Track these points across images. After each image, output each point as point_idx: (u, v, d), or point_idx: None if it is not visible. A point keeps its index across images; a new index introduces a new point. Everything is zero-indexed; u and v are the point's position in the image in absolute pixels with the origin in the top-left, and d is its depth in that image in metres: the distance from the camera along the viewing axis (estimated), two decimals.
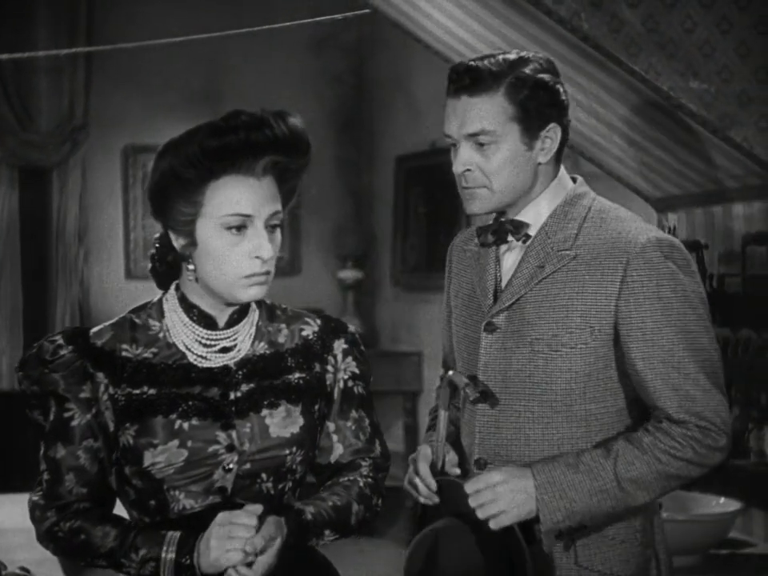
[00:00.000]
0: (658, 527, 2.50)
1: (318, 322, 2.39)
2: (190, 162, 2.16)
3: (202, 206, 2.19)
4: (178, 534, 2.19)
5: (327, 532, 2.26)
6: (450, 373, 2.46)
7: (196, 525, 2.19)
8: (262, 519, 2.16)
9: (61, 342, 2.27)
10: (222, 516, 2.15)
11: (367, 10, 4.83)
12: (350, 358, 2.38)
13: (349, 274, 7.68)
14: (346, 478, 2.35)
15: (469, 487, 2.34)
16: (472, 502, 2.32)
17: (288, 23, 4.81)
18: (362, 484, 2.34)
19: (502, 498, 2.31)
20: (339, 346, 2.38)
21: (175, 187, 2.18)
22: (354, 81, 7.86)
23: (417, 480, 2.43)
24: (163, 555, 2.17)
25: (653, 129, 4.11)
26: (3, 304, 7.15)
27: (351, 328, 2.42)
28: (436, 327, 7.37)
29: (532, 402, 2.41)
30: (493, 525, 2.31)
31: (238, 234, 2.20)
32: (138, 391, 2.24)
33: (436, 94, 7.14)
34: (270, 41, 7.00)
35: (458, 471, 2.45)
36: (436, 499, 2.40)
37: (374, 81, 7.78)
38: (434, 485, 2.40)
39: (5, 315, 7.14)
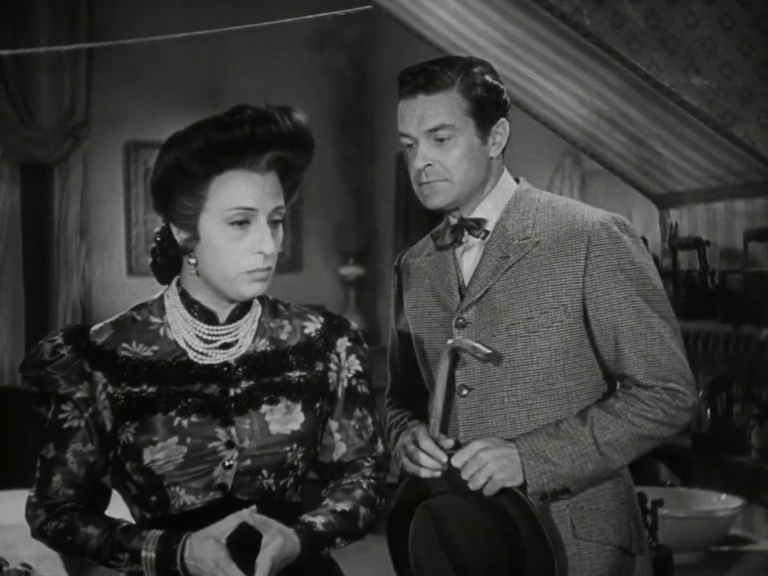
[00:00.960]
0: (633, 497, 2.61)
1: (321, 319, 2.38)
2: (195, 156, 2.16)
3: (206, 200, 2.19)
4: (159, 532, 2.18)
5: (338, 540, 2.26)
6: (450, 341, 2.49)
7: (197, 521, 2.18)
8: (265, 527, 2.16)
9: (60, 341, 2.27)
10: (215, 550, 2.14)
11: (369, 6, 4.83)
12: (353, 356, 2.37)
13: (350, 271, 7.67)
14: (348, 480, 2.34)
15: (455, 460, 2.43)
16: (463, 475, 2.41)
17: (289, 20, 4.81)
18: (365, 486, 2.33)
19: (487, 464, 2.40)
20: (342, 344, 2.37)
21: (179, 181, 2.18)
22: (356, 77, 7.85)
23: (420, 454, 2.47)
24: (143, 554, 2.16)
25: (654, 125, 4.11)
26: (5, 300, 7.14)
27: (354, 326, 2.41)
28: None
29: (515, 385, 2.50)
30: (486, 492, 2.41)
31: (240, 228, 2.20)
32: (137, 389, 2.24)
33: None
34: (271, 37, 6.99)
35: (452, 443, 2.50)
36: (438, 473, 2.46)
37: (376, 77, 7.77)
38: (442, 457, 2.45)
39: (6, 312, 7.13)
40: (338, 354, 2.36)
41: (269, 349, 2.31)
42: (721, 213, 4.35)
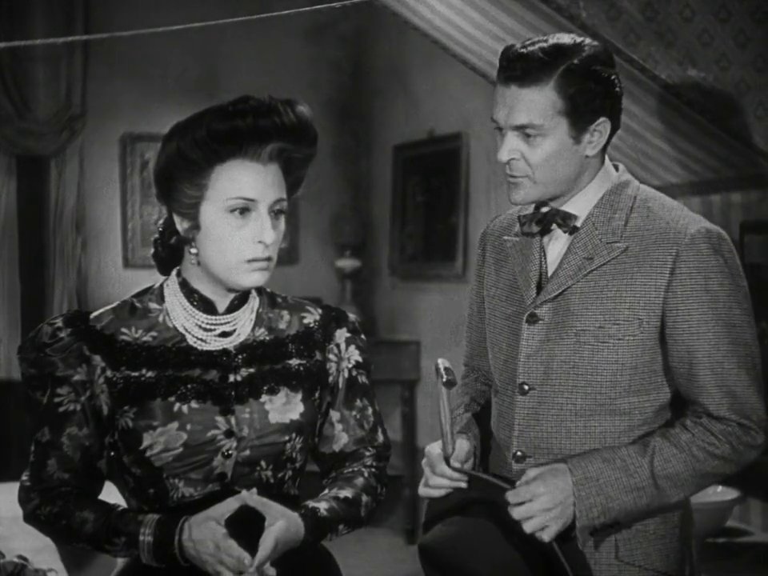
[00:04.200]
0: (690, 521, 2.50)
1: (319, 311, 2.40)
2: (197, 144, 2.17)
3: (207, 189, 2.20)
4: (156, 516, 2.19)
5: (341, 527, 2.27)
6: (440, 360, 2.37)
7: (195, 513, 2.19)
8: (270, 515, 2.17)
9: (60, 324, 2.28)
10: (215, 531, 2.14)
11: None
12: (353, 347, 2.39)
13: (347, 263, 7.67)
14: (350, 469, 2.36)
15: (511, 497, 2.28)
16: (516, 515, 2.27)
17: (286, 11, 4.80)
18: (366, 475, 2.35)
19: (545, 511, 2.26)
20: (341, 335, 2.39)
21: (181, 169, 2.19)
22: (352, 69, 7.84)
23: (436, 478, 2.37)
24: (141, 538, 2.17)
25: (651, 117, 4.11)
26: (0, 293, 7.13)
27: (352, 317, 2.44)
28: (434, 316, 7.38)
29: (575, 394, 2.37)
30: (539, 537, 2.26)
31: (241, 217, 2.21)
32: (136, 374, 2.25)
33: (434, 82, 7.14)
34: (268, 29, 6.98)
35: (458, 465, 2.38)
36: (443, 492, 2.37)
37: (372, 69, 7.76)
38: (461, 483, 2.35)
39: (2, 304, 7.12)
40: (337, 345, 2.38)
41: (267, 338, 2.33)
42: (717, 205, 4.35)
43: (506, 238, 2.54)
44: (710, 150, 4.08)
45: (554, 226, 2.43)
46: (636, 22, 3.65)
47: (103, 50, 7.14)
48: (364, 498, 2.32)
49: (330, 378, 2.36)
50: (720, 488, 3.78)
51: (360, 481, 2.33)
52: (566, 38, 2.36)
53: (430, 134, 6.99)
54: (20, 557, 3.28)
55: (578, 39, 2.37)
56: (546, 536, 2.26)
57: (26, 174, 7.22)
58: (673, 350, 2.34)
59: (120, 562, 2.33)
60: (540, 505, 2.26)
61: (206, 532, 2.14)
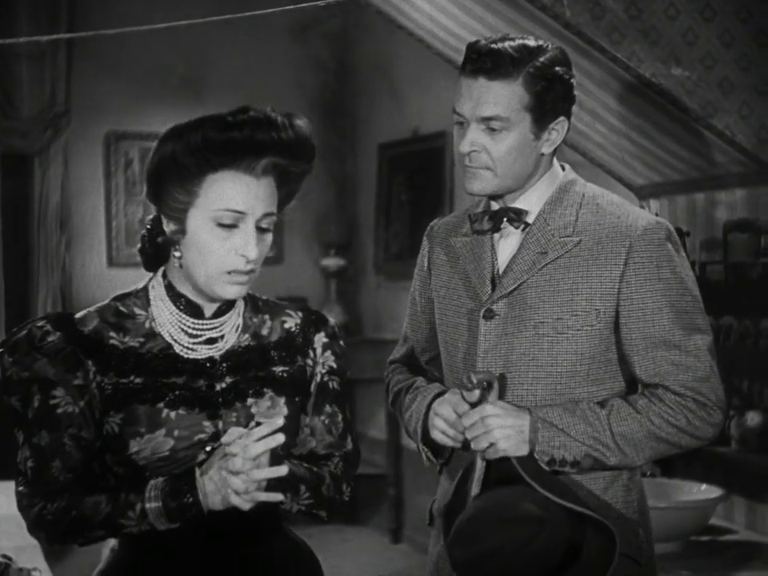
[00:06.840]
0: (646, 506, 2.55)
1: (300, 314, 2.40)
2: (191, 151, 2.15)
3: (197, 197, 2.19)
4: (160, 480, 2.16)
5: (302, 489, 2.26)
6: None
7: None
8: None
9: (48, 327, 2.24)
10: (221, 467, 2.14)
11: None
12: (328, 353, 2.38)
13: (332, 262, 7.66)
14: (316, 467, 2.35)
15: (465, 418, 2.38)
16: (467, 434, 2.37)
17: (271, 10, 4.79)
18: (332, 468, 2.35)
19: (493, 430, 2.35)
20: (320, 339, 2.38)
21: (173, 173, 2.18)
22: (337, 68, 7.84)
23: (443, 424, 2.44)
24: (147, 505, 2.14)
25: (635, 116, 4.11)
26: None
27: (332, 321, 2.43)
28: None
29: (536, 385, 2.44)
30: (487, 456, 2.37)
31: (227, 229, 2.19)
32: (125, 380, 2.23)
33: (419, 81, 7.13)
34: (252, 28, 6.97)
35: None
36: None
37: (357, 68, 7.76)
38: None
39: None
40: (314, 350, 2.37)
41: (252, 344, 2.32)
42: (701, 204, 4.36)
43: (454, 239, 2.61)
44: (695, 148, 4.09)
45: (505, 223, 2.49)
46: (620, 20, 3.65)
47: (87, 48, 7.12)
48: (327, 479, 2.31)
49: (308, 383, 2.36)
50: (704, 486, 3.80)
51: (324, 469, 2.33)
52: (531, 41, 2.44)
53: (414, 133, 6.99)
54: (4, 556, 3.26)
55: (542, 42, 2.45)
56: (491, 454, 2.35)
57: (10, 172, 7.20)
58: (627, 337, 2.43)
59: (102, 559, 2.31)
60: (485, 425, 2.34)
61: (215, 463, 2.13)
